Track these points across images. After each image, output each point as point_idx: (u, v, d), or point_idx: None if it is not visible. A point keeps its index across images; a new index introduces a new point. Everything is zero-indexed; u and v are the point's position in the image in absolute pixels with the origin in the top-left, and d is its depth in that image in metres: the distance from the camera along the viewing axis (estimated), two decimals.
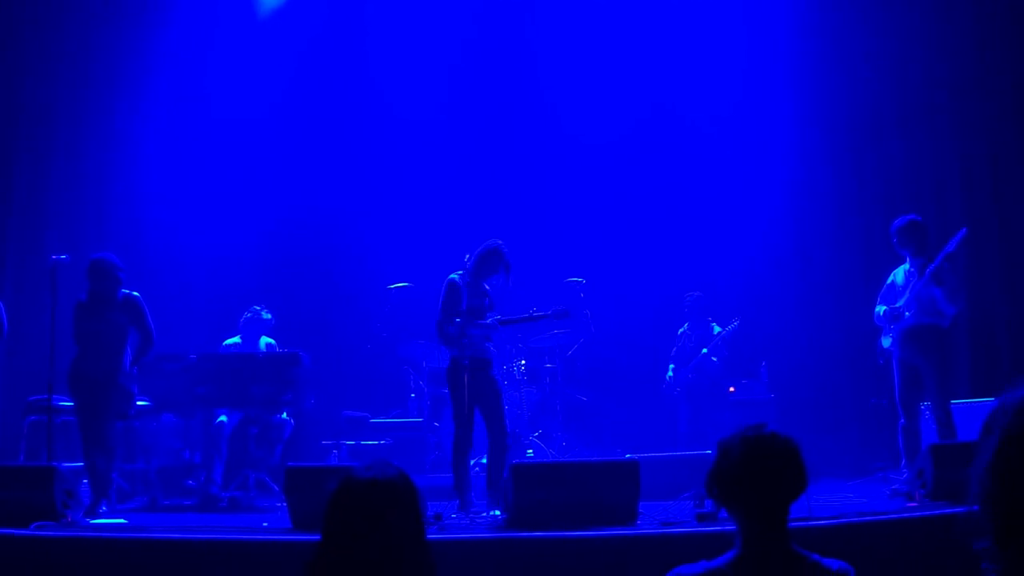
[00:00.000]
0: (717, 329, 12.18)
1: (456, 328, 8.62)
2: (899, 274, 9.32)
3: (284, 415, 10.67)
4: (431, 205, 13.19)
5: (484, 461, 10.28)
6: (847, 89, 12.94)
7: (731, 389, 12.34)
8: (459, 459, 8.63)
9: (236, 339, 11.08)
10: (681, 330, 12.43)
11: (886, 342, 9.32)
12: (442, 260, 9.10)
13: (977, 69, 12.33)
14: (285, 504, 7.75)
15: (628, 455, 9.30)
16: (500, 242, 8.94)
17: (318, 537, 3.20)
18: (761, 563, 3.23)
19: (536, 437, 11.52)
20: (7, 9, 12.71)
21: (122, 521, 8.41)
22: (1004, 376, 11.60)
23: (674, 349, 12.43)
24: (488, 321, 8.74)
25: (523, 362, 11.76)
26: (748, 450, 3.27)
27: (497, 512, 8.07)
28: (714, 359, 12.10)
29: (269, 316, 11.11)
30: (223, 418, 10.28)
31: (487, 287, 8.92)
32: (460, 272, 8.79)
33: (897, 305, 9.14)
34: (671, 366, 12.36)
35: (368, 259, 13.26)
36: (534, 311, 8.91)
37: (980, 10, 12.36)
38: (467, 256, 8.82)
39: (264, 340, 11.06)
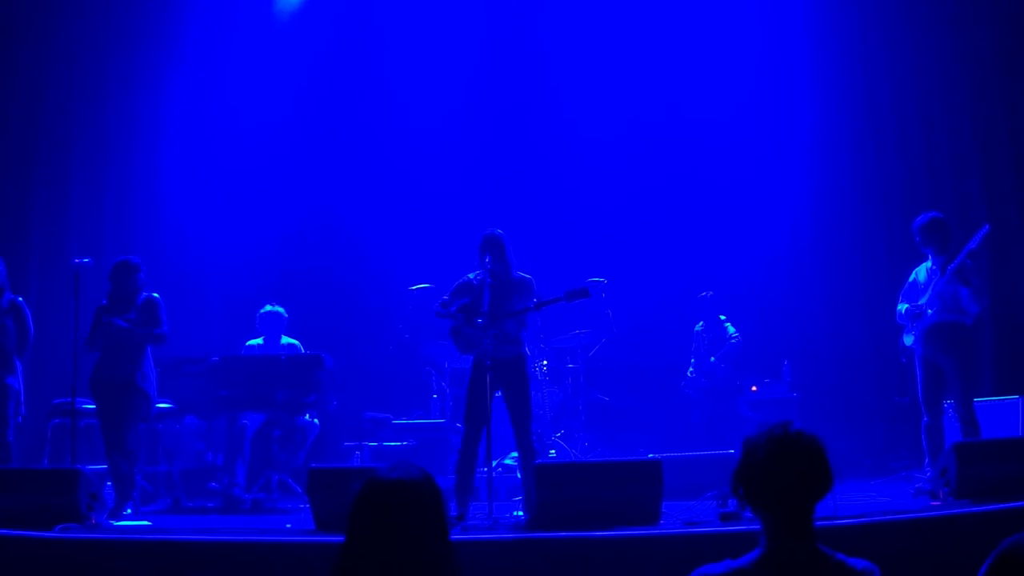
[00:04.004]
0: (732, 330, 12.22)
1: (448, 322, 8.63)
2: (921, 272, 9.28)
3: (308, 417, 10.69)
4: (452, 206, 13.18)
5: (507, 462, 10.31)
6: (868, 85, 12.88)
7: (753, 388, 12.33)
8: (461, 462, 8.48)
9: (259, 340, 11.11)
10: (697, 327, 12.52)
11: (908, 340, 9.29)
12: (463, 261, 9.07)
13: (1000, 61, 12.25)
14: (308, 506, 7.77)
15: (651, 455, 9.31)
16: (490, 230, 8.73)
17: (342, 538, 3.21)
18: (786, 563, 3.22)
19: (558, 437, 11.52)
20: (29, 16, 12.77)
21: (146, 523, 8.45)
22: None
23: (693, 345, 12.53)
24: (479, 320, 8.38)
25: (545, 363, 11.76)
26: (774, 449, 3.25)
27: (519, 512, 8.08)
28: (723, 366, 12.17)
29: (282, 310, 11.12)
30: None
31: (490, 281, 8.52)
32: (477, 272, 8.75)
33: (919, 303, 9.09)
34: (692, 361, 12.45)
35: (389, 260, 13.27)
36: (539, 300, 8.55)
37: (1001, 5, 12.29)
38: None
39: (286, 340, 11.09)
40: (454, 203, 13.21)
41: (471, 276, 8.78)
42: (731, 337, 12.24)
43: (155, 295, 9.30)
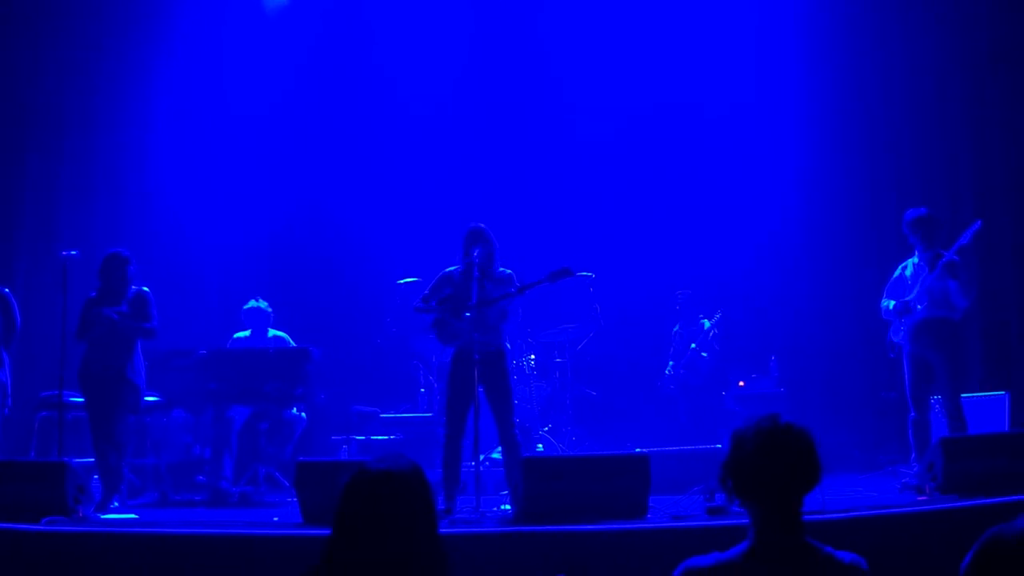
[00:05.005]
0: (707, 324, 12.28)
1: (430, 316, 8.62)
2: (908, 267, 9.29)
3: (296, 410, 10.69)
4: (440, 200, 13.19)
5: (494, 456, 10.31)
6: (858, 79, 12.88)
7: (741, 383, 12.37)
8: (445, 454, 8.45)
9: (246, 333, 11.10)
10: (675, 329, 12.62)
11: (896, 336, 9.30)
12: (451, 255, 9.06)
13: (991, 58, 12.26)
14: (295, 499, 7.77)
15: (638, 449, 9.31)
16: (475, 224, 8.72)
17: (329, 531, 3.20)
18: (774, 555, 3.22)
19: (546, 431, 11.53)
20: (19, 8, 12.74)
21: (133, 516, 8.44)
22: (1015, 369, 11.59)
23: (672, 349, 12.62)
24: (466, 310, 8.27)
25: (533, 357, 11.77)
26: (763, 441, 3.24)
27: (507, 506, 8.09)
28: (704, 355, 12.24)
29: (265, 305, 11.12)
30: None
31: (477, 274, 8.38)
32: (458, 266, 8.73)
33: (908, 299, 9.11)
34: (670, 363, 12.54)
35: (378, 254, 13.27)
36: (519, 285, 8.46)
37: (993, 3, 12.30)
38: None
39: (273, 332, 11.08)
40: (442, 197, 13.21)
41: (451, 270, 8.76)
42: (708, 330, 12.30)
43: (145, 289, 9.28)
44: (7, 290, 9.50)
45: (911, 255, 9.28)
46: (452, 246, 9.13)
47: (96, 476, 9.09)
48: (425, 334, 11.02)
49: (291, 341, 11.05)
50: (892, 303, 9.26)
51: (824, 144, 13.07)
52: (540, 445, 11.28)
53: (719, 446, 9.94)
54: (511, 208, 12.65)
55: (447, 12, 13.64)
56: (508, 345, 8.78)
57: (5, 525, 6.94)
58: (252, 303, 11.12)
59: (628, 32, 13.50)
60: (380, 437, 11.69)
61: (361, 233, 13.49)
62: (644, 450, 8.76)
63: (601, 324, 11.79)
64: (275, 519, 8.22)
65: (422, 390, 12.30)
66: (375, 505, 3.12)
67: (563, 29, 13.63)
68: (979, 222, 8.93)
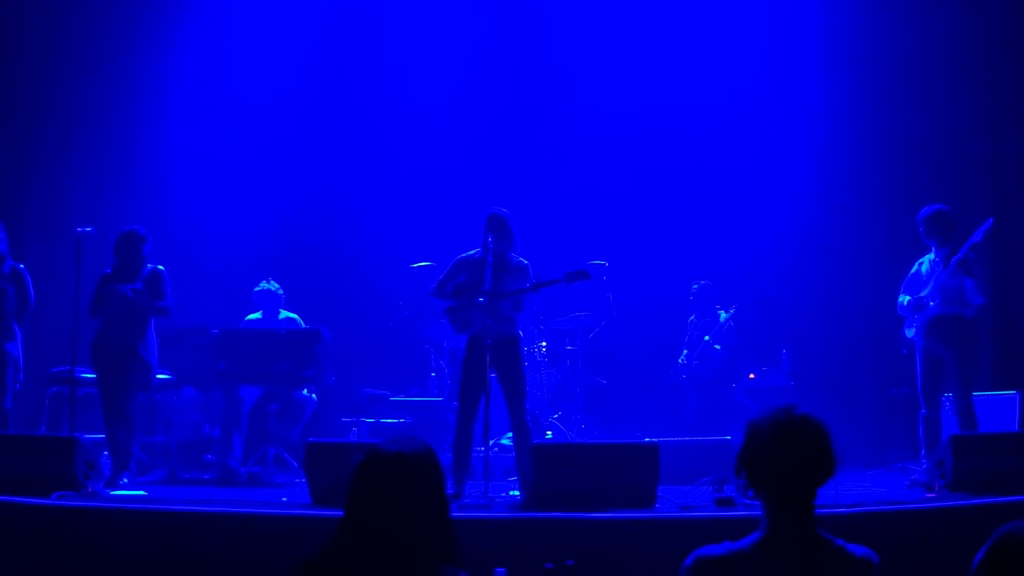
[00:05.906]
0: (724, 316, 12.24)
1: (445, 302, 8.62)
2: (924, 264, 9.27)
3: (306, 392, 10.70)
4: (455, 185, 13.17)
5: (504, 442, 10.31)
6: (872, 74, 12.84)
7: (751, 376, 12.36)
8: (456, 440, 8.43)
9: (258, 314, 11.11)
10: (691, 319, 12.55)
11: (909, 332, 9.28)
12: (465, 240, 9.05)
13: (1007, 55, 12.22)
14: (304, 480, 7.78)
15: (648, 439, 9.31)
16: (495, 209, 8.67)
17: (338, 512, 3.21)
18: (786, 546, 3.21)
19: (556, 419, 11.53)
20: None
21: (142, 493, 8.47)
22: None
23: (686, 337, 12.57)
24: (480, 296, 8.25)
25: (544, 344, 11.76)
26: (778, 432, 3.24)
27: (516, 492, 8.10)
28: (717, 347, 12.20)
29: (276, 286, 11.13)
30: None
31: (491, 261, 8.36)
32: (476, 250, 8.71)
33: (921, 295, 9.09)
34: (684, 351, 12.48)
35: (391, 238, 13.26)
36: (538, 281, 8.45)
37: None
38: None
39: (284, 314, 11.09)
40: (457, 182, 13.20)
41: (469, 254, 8.74)
42: (724, 322, 12.27)
43: (160, 267, 9.32)
44: (21, 265, 9.52)
45: (927, 251, 9.26)
46: (465, 230, 9.13)
47: (106, 452, 9.11)
48: (438, 319, 11.05)
49: (302, 323, 11.05)
50: (907, 298, 9.25)
51: (837, 140, 13.02)
52: (549, 432, 11.28)
53: (728, 438, 9.97)
54: (526, 193, 12.61)
55: None
56: (521, 332, 8.76)
57: (15, 499, 6.97)
58: (263, 284, 11.13)
59: (648, 24, 13.46)
60: (389, 420, 11.71)
61: (374, 217, 13.49)
62: (654, 440, 8.75)
63: (613, 313, 11.79)
64: (284, 499, 8.24)
65: (433, 374, 12.31)
66: (386, 487, 3.12)
67: (581, 15, 13.59)
68: (991, 219, 8.91)
